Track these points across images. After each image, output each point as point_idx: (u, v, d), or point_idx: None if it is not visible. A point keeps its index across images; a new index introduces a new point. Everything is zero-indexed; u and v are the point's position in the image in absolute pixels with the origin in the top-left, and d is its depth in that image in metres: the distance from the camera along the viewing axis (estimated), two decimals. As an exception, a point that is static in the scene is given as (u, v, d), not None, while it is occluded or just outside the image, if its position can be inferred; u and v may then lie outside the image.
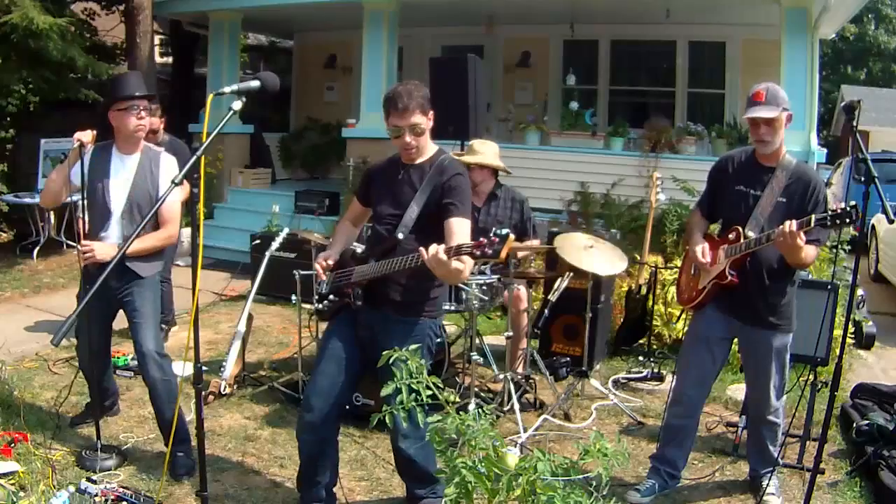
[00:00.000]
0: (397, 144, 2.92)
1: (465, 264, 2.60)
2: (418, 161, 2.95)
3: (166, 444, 3.58)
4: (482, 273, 4.28)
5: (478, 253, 2.43)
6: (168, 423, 3.51)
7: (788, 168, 3.15)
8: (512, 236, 2.40)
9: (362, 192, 3.17)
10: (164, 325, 5.56)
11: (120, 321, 3.74)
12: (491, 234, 2.41)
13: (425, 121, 2.87)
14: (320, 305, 3.12)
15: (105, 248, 3.41)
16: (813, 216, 2.84)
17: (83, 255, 3.39)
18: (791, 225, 2.88)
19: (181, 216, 5.22)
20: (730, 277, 3.17)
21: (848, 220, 2.74)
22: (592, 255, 4.40)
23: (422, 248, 2.60)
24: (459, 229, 2.78)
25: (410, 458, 2.99)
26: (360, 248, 3.26)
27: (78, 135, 3.36)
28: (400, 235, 2.85)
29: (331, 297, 3.07)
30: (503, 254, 2.39)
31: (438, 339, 3.21)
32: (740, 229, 3.15)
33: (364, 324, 2.97)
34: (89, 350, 3.64)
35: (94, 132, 3.44)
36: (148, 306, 3.54)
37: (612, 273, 4.64)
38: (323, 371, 2.98)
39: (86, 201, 3.45)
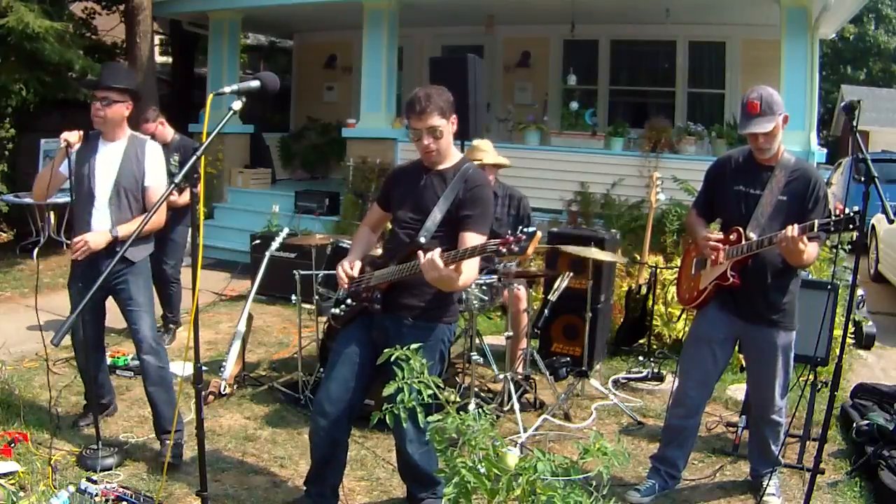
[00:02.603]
0: (417, 148, 2.91)
1: (460, 273, 2.63)
2: (442, 167, 2.94)
3: (158, 437, 3.59)
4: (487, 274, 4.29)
5: (504, 250, 2.44)
6: (160, 413, 3.56)
7: (787, 166, 3.15)
8: (539, 234, 2.43)
9: (383, 196, 3.15)
10: (171, 325, 5.58)
11: (119, 321, 3.75)
12: (518, 231, 2.44)
13: (445, 124, 2.85)
14: (337, 310, 3.10)
15: (97, 237, 3.44)
16: (816, 221, 2.84)
17: (76, 250, 3.41)
18: (793, 230, 2.88)
19: (181, 215, 5.29)
20: (731, 279, 3.17)
21: (851, 227, 2.74)
22: (591, 249, 4.46)
23: (419, 252, 2.62)
24: (471, 244, 2.74)
25: (415, 462, 3.00)
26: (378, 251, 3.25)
27: (64, 135, 3.40)
28: (422, 240, 2.83)
29: (348, 301, 3.05)
30: (530, 251, 2.42)
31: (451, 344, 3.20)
32: (741, 230, 3.15)
33: (379, 327, 2.96)
34: (83, 340, 3.66)
35: (81, 132, 3.49)
36: (142, 294, 3.59)
37: (611, 259, 4.69)
38: (336, 376, 2.97)
39: (73, 191, 3.49)
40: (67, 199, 3.67)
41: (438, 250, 2.58)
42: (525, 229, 2.43)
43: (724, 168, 3.33)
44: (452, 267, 2.61)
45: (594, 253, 4.45)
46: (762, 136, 3.10)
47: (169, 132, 5.37)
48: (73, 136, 3.42)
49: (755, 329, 3.25)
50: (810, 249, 2.98)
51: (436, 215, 2.87)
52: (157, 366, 3.54)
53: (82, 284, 3.50)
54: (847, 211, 2.75)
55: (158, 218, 3.60)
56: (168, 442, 3.41)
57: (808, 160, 6.41)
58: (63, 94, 7.97)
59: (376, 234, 3.29)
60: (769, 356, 3.24)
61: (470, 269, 2.76)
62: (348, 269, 3.00)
